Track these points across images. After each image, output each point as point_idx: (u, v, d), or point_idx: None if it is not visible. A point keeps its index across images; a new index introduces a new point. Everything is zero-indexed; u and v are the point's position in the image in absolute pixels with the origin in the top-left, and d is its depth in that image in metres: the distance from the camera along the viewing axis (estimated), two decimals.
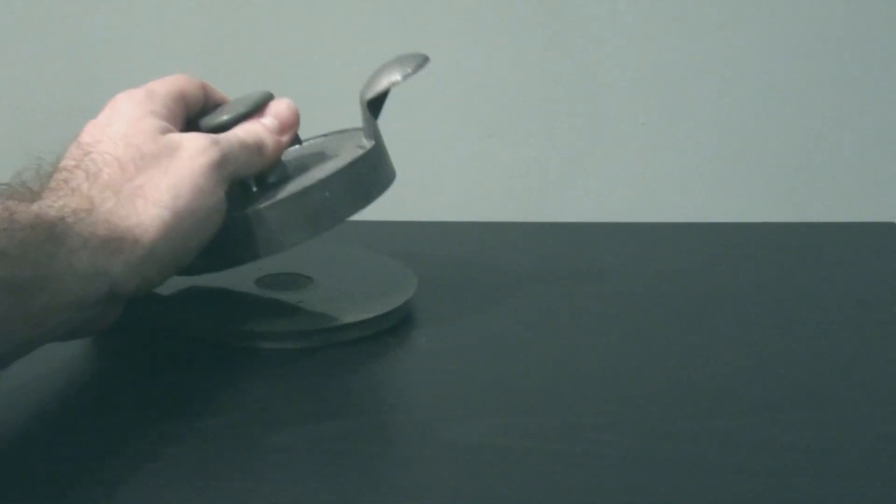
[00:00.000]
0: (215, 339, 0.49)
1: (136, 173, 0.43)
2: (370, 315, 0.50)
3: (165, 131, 0.45)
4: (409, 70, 0.48)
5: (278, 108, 0.50)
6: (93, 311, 0.41)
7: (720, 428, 0.43)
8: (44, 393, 0.45)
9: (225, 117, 0.49)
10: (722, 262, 0.67)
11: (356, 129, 0.53)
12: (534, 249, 0.67)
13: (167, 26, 0.77)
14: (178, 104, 0.48)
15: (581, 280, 0.53)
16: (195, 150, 0.44)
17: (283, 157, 0.51)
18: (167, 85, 0.48)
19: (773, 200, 0.87)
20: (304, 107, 0.51)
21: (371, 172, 0.50)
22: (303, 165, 0.51)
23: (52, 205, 0.40)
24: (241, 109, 0.49)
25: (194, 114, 0.49)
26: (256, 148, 0.48)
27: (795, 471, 0.40)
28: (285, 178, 0.50)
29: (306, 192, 0.48)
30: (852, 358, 0.51)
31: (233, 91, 0.52)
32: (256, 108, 0.50)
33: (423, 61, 0.49)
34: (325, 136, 0.55)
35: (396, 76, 0.48)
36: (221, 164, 0.45)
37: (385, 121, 0.50)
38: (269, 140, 0.49)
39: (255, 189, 0.50)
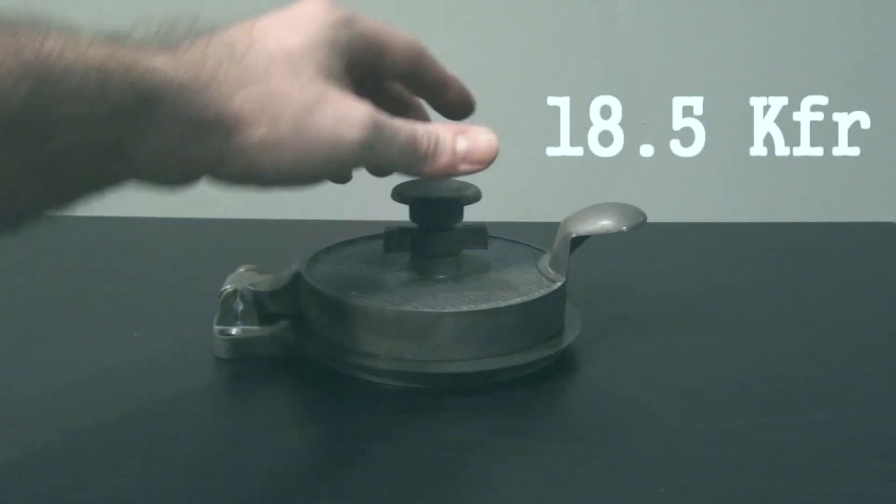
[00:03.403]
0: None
1: (269, 96, 0.37)
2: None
3: (329, 75, 0.39)
4: (626, 227, 0.48)
5: (477, 136, 0.43)
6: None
7: (720, 428, 0.43)
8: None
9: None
10: (722, 262, 0.67)
11: (532, 248, 0.54)
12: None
13: None
14: (369, 55, 0.42)
15: (581, 280, 0.53)
16: (346, 119, 0.39)
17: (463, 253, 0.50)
18: (377, 31, 0.42)
19: (773, 200, 0.87)
20: None
21: (555, 309, 0.49)
22: (478, 273, 0.50)
23: (181, 62, 0.36)
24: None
25: (394, 75, 0.45)
26: (421, 157, 0.42)
27: (795, 471, 0.40)
28: (458, 277, 0.50)
29: (490, 312, 0.46)
30: (852, 358, 0.51)
31: None
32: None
33: (642, 221, 0.48)
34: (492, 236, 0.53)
35: (611, 226, 0.48)
36: (365, 147, 0.39)
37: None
38: (444, 160, 0.43)
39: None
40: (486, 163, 0.43)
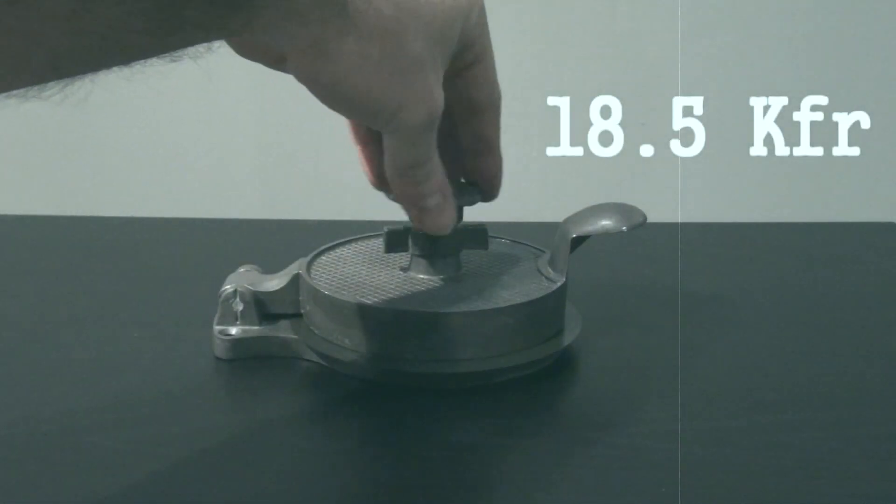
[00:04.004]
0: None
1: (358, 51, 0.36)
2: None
3: (445, 48, 0.40)
4: (626, 227, 0.48)
5: (436, 220, 0.45)
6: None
7: (720, 428, 0.43)
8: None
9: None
10: (722, 262, 0.67)
11: (532, 248, 0.54)
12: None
13: None
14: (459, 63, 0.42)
15: (581, 280, 0.53)
16: (430, 94, 0.39)
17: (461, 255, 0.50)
18: (483, 48, 0.43)
19: (773, 200, 0.87)
20: None
21: (555, 309, 0.49)
22: (478, 273, 0.50)
23: None
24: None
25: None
26: (421, 199, 0.44)
27: (795, 471, 0.40)
28: (458, 277, 0.50)
29: (490, 312, 0.46)
30: (852, 358, 0.51)
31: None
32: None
33: (642, 221, 0.48)
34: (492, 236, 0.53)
35: (611, 226, 0.48)
36: (416, 131, 0.40)
37: None
38: (429, 223, 0.45)
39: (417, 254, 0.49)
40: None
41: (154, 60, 0.33)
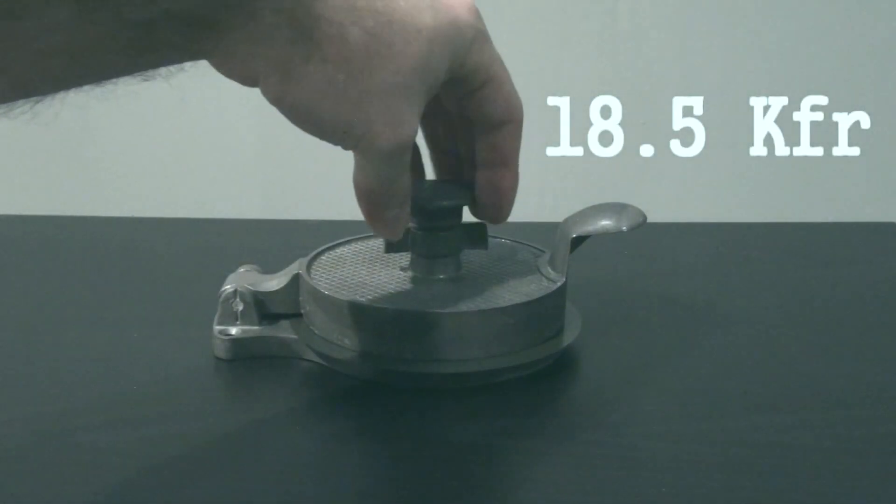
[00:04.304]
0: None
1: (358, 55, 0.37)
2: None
3: (424, 74, 0.39)
4: (626, 227, 0.48)
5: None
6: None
7: (720, 428, 0.43)
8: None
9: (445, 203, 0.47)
10: (722, 262, 0.67)
11: (532, 248, 0.54)
12: None
13: None
14: (460, 88, 0.42)
15: (581, 280, 0.53)
16: (395, 123, 0.39)
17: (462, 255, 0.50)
18: (487, 70, 0.43)
19: (773, 200, 0.87)
20: None
21: (555, 309, 0.49)
22: (478, 273, 0.51)
23: None
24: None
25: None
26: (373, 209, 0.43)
27: (795, 471, 0.40)
28: (458, 277, 0.50)
29: (490, 312, 0.46)
30: (852, 358, 0.51)
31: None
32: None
33: (642, 221, 0.48)
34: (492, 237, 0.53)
35: (611, 226, 0.48)
36: (382, 158, 0.40)
37: None
38: (379, 227, 0.44)
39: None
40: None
41: (126, 79, 0.34)
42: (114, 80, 0.34)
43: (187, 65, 0.35)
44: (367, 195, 0.42)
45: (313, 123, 0.38)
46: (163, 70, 0.35)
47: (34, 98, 0.32)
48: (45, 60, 0.30)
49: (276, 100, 0.37)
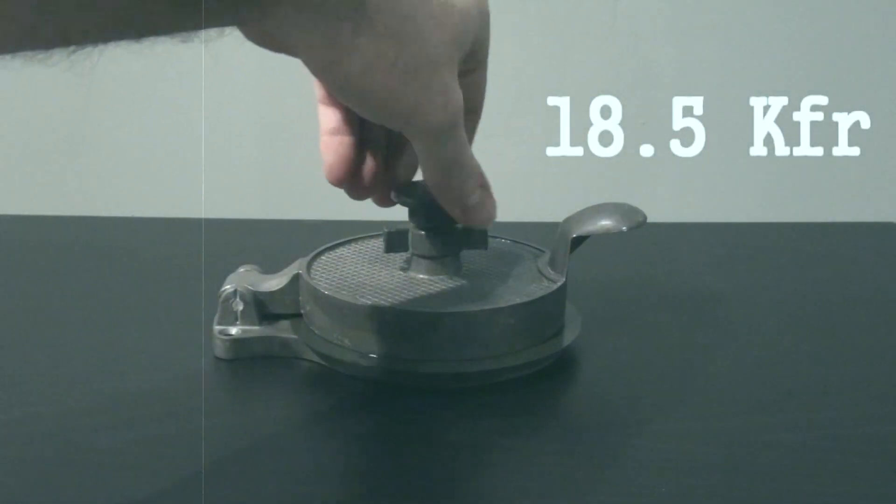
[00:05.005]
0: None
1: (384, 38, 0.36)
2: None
3: (461, 47, 0.39)
4: (626, 227, 0.47)
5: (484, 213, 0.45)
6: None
7: (720, 428, 0.43)
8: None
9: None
10: (722, 262, 0.67)
11: (532, 248, 0.54)
12: None
13: None
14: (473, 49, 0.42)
15: (581, 280, 0.53)
16: (447, 94, 0.38)
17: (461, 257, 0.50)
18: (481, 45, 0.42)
19: (773, 200, 0.87)
20: None
21: (555, 309, 0.49)
22: (478, 273, 0.51)
23: None
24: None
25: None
26: (465, 196, 0.43)
27: (795, 471, 0.40)
28: (458, 277, 0.50)
29: (490, 312, 0.46)
30: (852, 358, 0.51)
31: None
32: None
33: (642, 221, 0.48)
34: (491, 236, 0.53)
35: (611, 226, 0.48)
36: (440, 130, 0.39)
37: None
38: (473, 217, 0.44)
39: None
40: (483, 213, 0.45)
41: (165, 39, 0.33)
42: (154, 37, 0.33)
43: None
44: (443, 182, 0.42)
45: (362, 98, 0.37)
46: (203, 34, 0.33)
47: (72, 47, 0.31)
48: (91, 9, 0.30)
49: (322, 70, 0.36)
